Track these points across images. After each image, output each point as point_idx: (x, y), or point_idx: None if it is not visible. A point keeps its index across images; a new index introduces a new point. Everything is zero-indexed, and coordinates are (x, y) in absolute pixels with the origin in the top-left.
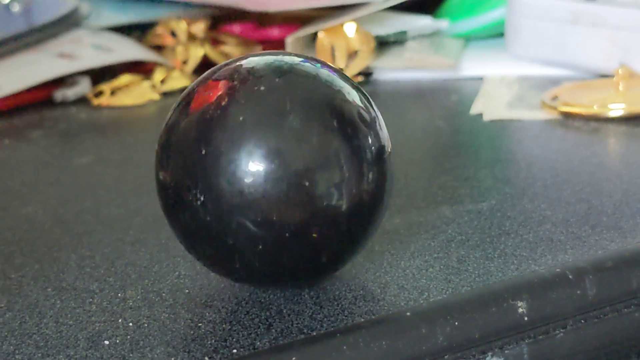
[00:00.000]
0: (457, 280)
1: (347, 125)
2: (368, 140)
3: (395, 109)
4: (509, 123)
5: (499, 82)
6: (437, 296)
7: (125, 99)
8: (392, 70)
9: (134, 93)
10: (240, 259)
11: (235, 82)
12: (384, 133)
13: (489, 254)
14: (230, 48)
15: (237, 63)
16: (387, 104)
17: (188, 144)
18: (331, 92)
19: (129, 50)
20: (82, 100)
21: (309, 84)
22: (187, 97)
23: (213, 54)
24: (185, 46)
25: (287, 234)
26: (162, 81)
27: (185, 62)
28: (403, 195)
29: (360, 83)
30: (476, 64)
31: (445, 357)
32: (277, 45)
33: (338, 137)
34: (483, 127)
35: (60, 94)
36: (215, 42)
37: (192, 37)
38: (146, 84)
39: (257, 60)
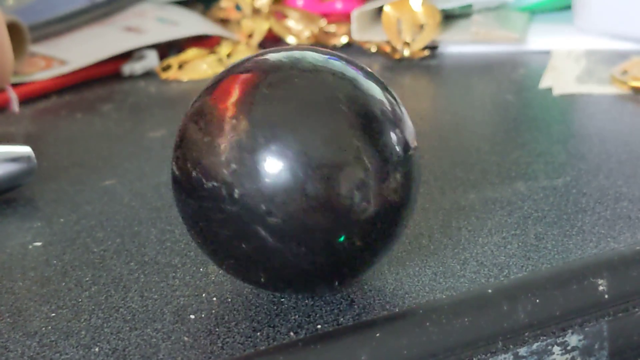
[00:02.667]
0: (536, 257)
1: (371, 123)
2: (393, 138)
3: (462, 82)
4: (579, 97)
5: (566, 56)
6: (517, 273)
7: (192, 73)
8: (458, 43)
9: (201, 67)
10: (265, 265)
11: (258, 79)
12: (410, 129)
13: (566, 231)
14: (294, 22)
15: (260, 58)
16: (453, 78)
17: (208, 142)
18: (354, 90)
19: (195, 24)
20: (150, 74)
21: (332, 82)
22: (207, 92)
23: (277, 28)
24: (251, 20)
25: (310, 238)
26: (229, 55)
27: (250, 36)
28: (477, 170)
29: (426, 57)
30: (542, 38)
31: (526, 334)
32: (342, 18)
33: (362, 135)
34: (553, 102)
35: (128, 68)
36: (280, 16)
37: (256, 11)
38: (213, 57)
39: (281, 56)
